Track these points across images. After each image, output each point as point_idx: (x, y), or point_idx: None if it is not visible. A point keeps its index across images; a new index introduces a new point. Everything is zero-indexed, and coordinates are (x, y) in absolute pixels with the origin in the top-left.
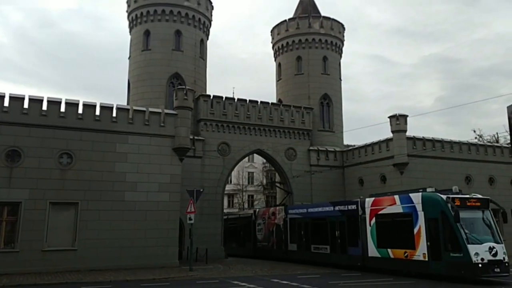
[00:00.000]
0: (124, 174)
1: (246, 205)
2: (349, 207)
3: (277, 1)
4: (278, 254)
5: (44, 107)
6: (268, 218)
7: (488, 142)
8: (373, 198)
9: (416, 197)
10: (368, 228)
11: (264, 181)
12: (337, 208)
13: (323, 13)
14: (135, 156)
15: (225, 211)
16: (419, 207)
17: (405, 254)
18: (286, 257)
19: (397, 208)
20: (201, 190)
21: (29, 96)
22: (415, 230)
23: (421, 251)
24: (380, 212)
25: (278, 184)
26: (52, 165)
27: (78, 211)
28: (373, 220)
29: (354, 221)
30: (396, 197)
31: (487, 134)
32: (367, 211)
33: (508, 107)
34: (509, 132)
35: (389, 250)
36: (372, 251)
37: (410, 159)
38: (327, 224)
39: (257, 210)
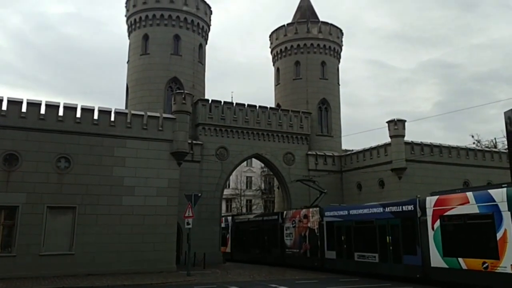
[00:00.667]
0: (122, 179)
1: (244, 210)
2: (405, 207)
3: (276, 6)
4: (312, 263)
5: (42, 111)
6: (299, 221)
7: (486, 147)
8: (436, 197)
9: (499, 194)
10: (430, 233)
11: (263, 186)
12: (388, 209)
13: (321, 18)
14: (133, 161)
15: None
16: (503, 206)
17: (484, 265)
18: (323, 266)
19: (471, 208)
20: (199, 194)
21: (27, 100)
22: (499, 235)
23: (508, 262)
24: (447, 213)
25: (308, 183)
26: (50, 169)
27: (75, 216)
28: (437, 222)
29: (410, 224)
30: (470, 194)
31: (485, 139)
32: (429, 212)
33: (505, 113)
34: (506, 137)
35: (460, 259)
36: (437, 260)
37: (408, 164)
38: (375, 228)
39: (285, 212)
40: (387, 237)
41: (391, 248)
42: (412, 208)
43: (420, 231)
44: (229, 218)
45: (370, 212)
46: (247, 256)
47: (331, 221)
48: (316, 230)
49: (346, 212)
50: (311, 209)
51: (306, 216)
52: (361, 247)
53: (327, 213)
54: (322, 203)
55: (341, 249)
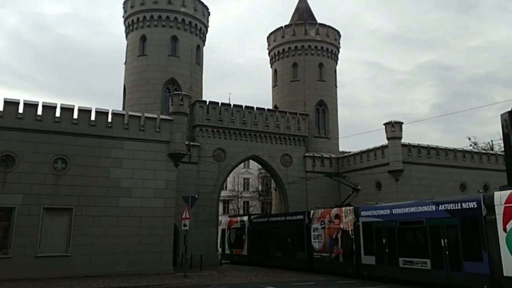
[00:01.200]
0: (119, 180)
1: (241, 212)
2: (465, 205)
3: (274, 7)
4: (345, 268)
5: (39, 112)
6: (329, 222)
7: (483, 149)
8: (508, 192)
9: None
10: (502, 235)
11: (260, 188)
12: (442, 207)
13: (319, 20)
14: (130, 162)
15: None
16: None
17: None
18: (359, 272)
19: None
20: (196, 196)
21: (24, 100)
22: None
23: None
24: None
25: (338, 178)
26: (47, 170)
27: (72, 217)
28: (511, 223)
29: (473, 224)
30: None
31: (482, 141)
32: (499, 210)
33: (501, 115)
34: (503, 140)
35: None
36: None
37: (405, 166)
38: (426, 229)
39: (312, 211)
40: (442, 240)
41: (447, 253)
42: (475, 205)
43: (486, 232)
44: (245, 218)
45: (419, 210)
46: (267, 260)
47: (369, 221)
48: (350, 232)
49: (387, 211)
50: (343, 208)
51: (338, 216)
52: (408, 252)
53: (363, 213)
54: (317, 204)
55: (381, 254)
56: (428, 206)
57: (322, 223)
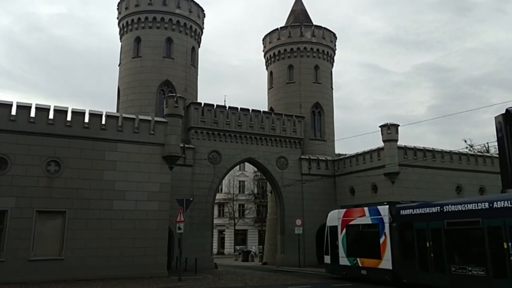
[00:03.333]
0: (113, 183)
1: (236, 215)
2: None
3: (270, 9)
4: None
5: (32, 114)
6: None
7: (479, 152)
8: None
9: None
10: None
11: (255, 190)
12: None
13: (315, 22)
14: (124, 164)
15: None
16: None
17: None
18: None
19: None
20: (191, 199)
21: (17, 102)
22: None
23: None
24: None
25: None
26: (40, 173)
27: (65, 220)
28: None
29: None
30: None
31: (479, 143)
32: None
33: (495, 117)
34: (497, 143)
35: None
36: None
37: (401, 168)
38: None
39: None
40: None
41: None
42: None
43: None
44: (383, 209)
45: None
46: (444, 280)
47: None
48: None
49: None
50: None
51: None
52: None
53: None
54: (313, 207)
55: None
56: None
57: None
